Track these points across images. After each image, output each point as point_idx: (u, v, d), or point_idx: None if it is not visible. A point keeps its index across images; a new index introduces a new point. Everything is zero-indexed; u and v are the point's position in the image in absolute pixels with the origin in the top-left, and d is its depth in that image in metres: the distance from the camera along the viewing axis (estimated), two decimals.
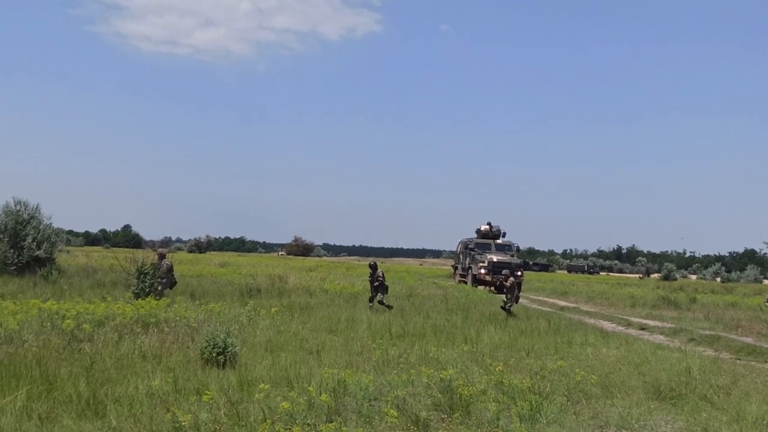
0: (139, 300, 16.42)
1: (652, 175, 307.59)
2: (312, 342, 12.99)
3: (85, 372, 9.19)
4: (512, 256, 41.92)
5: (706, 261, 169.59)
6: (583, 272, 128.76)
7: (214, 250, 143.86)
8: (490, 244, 42.54)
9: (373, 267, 21.08)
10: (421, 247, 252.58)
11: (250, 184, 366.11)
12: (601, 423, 8.01)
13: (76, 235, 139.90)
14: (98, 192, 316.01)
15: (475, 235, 44.45)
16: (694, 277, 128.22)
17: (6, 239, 27.64)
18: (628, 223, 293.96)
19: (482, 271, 39.62)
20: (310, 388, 7.96)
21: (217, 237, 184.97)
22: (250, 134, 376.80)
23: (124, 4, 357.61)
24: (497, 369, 9.79)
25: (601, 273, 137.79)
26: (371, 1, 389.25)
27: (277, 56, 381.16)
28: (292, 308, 18.65)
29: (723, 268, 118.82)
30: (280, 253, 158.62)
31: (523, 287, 40.59)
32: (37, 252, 27.46)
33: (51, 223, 29.40)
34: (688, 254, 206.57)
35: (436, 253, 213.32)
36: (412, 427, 6.96)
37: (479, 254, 41.06)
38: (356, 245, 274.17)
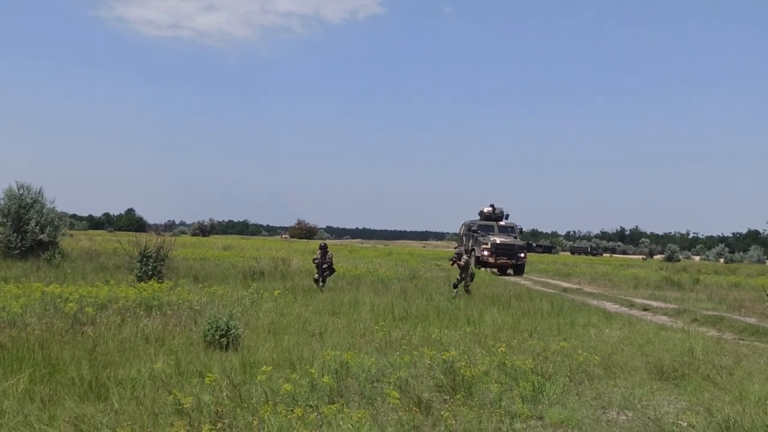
0: (142, 283, 16.43)
1: (655, 156, 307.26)
2: (315, 324, 12.98)
3: (88, 355, 9.19)
4: (515, 237, 42.00)
5: (710, 242, 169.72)
6: (586, 254, 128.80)
7: (217, 233, 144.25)
8: (493, 225, 42.61)
9: (323, 248, 20.92)
10: (424, 230, 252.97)
11: (253, 167, 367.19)
12: (604, 403, 8.00)
13: (80, 219, 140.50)
14: (102, 176, 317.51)
15: (479, 218, 44.49)
16: (697, 258, 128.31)
17: (9, 223, 27.63)
18: (632, 205, 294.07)
19: (485, 253, 39.67)
20: (313, 370, 7.96)
21: (221, 220, 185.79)
22: (254, 118, 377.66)
23: None
24: (500, 350, 9.78)
25: (604, 254, 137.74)
26: None
27: (280, 40, 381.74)
28: (295, 291, 18.65)
29: (726, 249, 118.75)
30: (283, 236, 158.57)
31: (526, 269, 40.77)
32: (41, 236, 27.45)
33: (54, 207, 29.35)
34: (691, 235, 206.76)
35: (440, 236, 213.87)
36: (414, 409, 6.94)
37: (482, 236, 41.10)
38: (360, 228, 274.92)
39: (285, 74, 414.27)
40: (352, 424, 6.20)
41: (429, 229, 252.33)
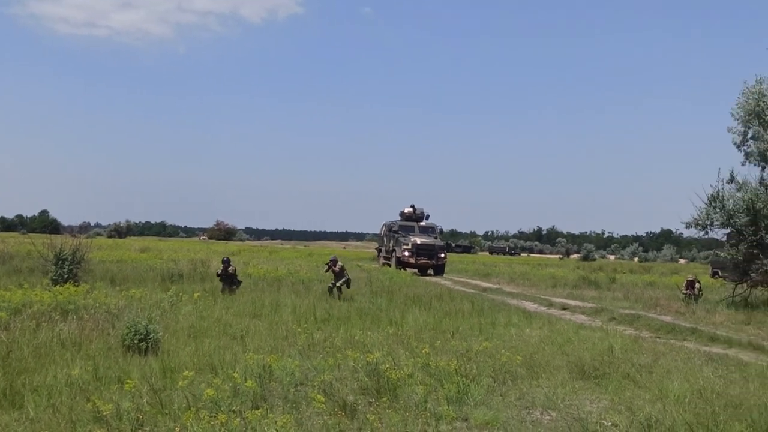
0: (57, 286, 15.98)
1: (570, 157, 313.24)
2: (236, 327, 12.78)
3: (1, 361, 8.85)
4: (435, 238, 42.25)
5: (624, 241, 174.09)
6: (504, 253, 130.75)
7: (134, 235, 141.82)
8: (413, 226, 42.76)
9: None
10: (344, 230, 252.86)
11: (171, 167, 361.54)
12: (528, 404, 8.06)
13: None
14: (14, 176, 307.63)
15: (399, 218, 44.64)
16: (612, 257, 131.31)
17: None
18: (548, 205, 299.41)
19: (406, 253, 39.79)
20: (235, 375, 7.82)
21: (138, 222, 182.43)
22: (170, 116, 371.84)
23: None
24: (423, 351, 9.79)
25: (522, 254, 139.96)
26: None
27: (198, 38, 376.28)
28: (214, 293, 18.38)
29: (640, 248, 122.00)
30: (201, 237, 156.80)
31: (446, 269, 41.02)
32: None
33: None
34: (606, 235, 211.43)
35: (360, 236, 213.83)
36: (339, 412, 6.89)
37: (403, 237, 41.21)
38: (279, 229, 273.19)
39: (202, 73, 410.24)
40: (277, 429, 6.10)
41: (349, 230, 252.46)
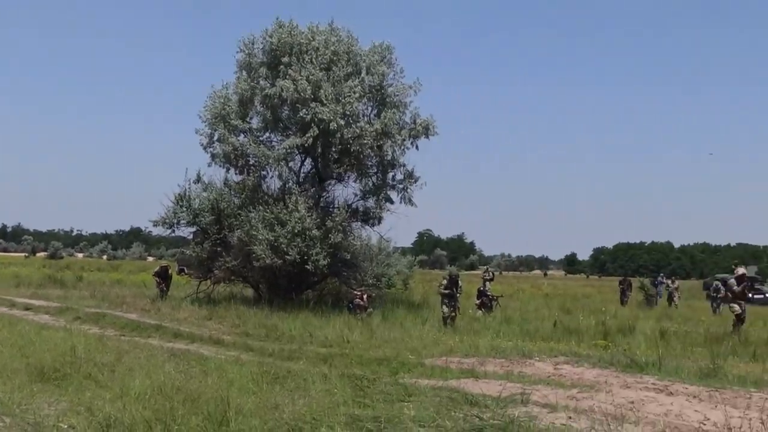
0: None
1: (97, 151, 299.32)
2: None
3: None
4: None
5: (94, 239, 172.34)
6: None
7: None
8: None
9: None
10: None
11: None
12: None
13: None
14: None
15: None
16: (81, 255, 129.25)
17: None
18: (13, 201, 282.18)
19: None
20: None
21: None
22: None
23: None
24: None
25: None
26: None
27: None
28: None
29: (110, 246, 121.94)
30: None
31: None
32: None
33: None
34: (75, 232, 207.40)
35: None
36: None
37: None
38: None
39: None
40: None
41: None
